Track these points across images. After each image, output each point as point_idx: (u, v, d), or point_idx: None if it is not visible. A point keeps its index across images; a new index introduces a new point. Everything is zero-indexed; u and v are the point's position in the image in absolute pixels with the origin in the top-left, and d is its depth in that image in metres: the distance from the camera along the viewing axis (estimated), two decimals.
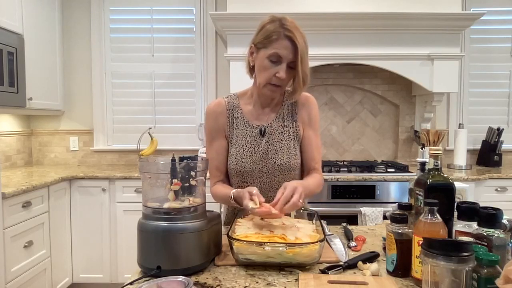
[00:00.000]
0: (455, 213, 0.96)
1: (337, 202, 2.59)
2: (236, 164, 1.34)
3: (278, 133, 1.35)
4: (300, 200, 1.09)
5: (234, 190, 1.23)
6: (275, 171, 1.34)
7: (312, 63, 3.21)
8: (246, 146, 1.34)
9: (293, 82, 1.28)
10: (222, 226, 1.26)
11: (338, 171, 2.70)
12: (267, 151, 1.34)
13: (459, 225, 0.95)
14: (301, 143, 1.38)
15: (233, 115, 1.37)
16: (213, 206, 1.26)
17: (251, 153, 1.34)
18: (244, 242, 0.97)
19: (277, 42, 1.20)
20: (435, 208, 0.86)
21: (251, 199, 1.10)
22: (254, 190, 1.12)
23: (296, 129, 1.36)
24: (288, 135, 1.35)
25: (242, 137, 1.35)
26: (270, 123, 1.36)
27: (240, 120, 1.36)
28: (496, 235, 0.84)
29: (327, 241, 1.17)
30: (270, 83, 1.25)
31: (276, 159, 1.33)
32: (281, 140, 1.34)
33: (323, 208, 2.52)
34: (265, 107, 1.37)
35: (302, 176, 1.40)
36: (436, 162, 0.97)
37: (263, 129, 1.34)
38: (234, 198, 1.21)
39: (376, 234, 1.34)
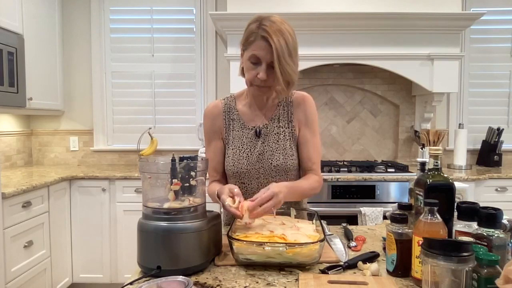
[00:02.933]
0: (455, 213, 0.96)
1: (337, 202, 2.59)
2: (233, 165, 1.34)
3: (274, 134, 1.34)
4: (274, 210, 1.10)
5: (218, 187, 1.21)
6: (271, 172, 1.33)
7: (312, 63, 3.20)
8: (242, 147, 1.34)
9: None
10: (222, 226, 1.26)
11: (338, 171, 2.70)
12: (263, 152, 1.33)
13: (459, 225, 0.95)
14: (298, 143, 1.37)
15: (230, 117, 1.37)
16: (213, 206, 1.26)
17: (247, 154, 1.34)
18: (244, 242, 0.97)
19: (254, 44, 1.19)
20: (435, 208, 0.86)
21: (231, 196, 1.10)
22: (236, 189, 1.11)
23: (291, 130, 1.35)
24: (284, 135, 1.34)
25: (239, 139, 1.35)
26: (266, 124, 1.35)
27: (236, 122, 1.36)
28: (496, 235, 0.84)
29: (327, 241, 1.17)
30: (254, 84, 1.24)
31: (272, 160, 1.33)
32: (277, 141, 1.34)
33: (323, 208, 2.52)
34: (261, 108, 1.36)
35: (300, 177, 1.38)
36: (436, 162, 0.96)
37: (258, 130, 1.34)
38: (218, 195, 1.20)
39: (376, 234, 1.34)
